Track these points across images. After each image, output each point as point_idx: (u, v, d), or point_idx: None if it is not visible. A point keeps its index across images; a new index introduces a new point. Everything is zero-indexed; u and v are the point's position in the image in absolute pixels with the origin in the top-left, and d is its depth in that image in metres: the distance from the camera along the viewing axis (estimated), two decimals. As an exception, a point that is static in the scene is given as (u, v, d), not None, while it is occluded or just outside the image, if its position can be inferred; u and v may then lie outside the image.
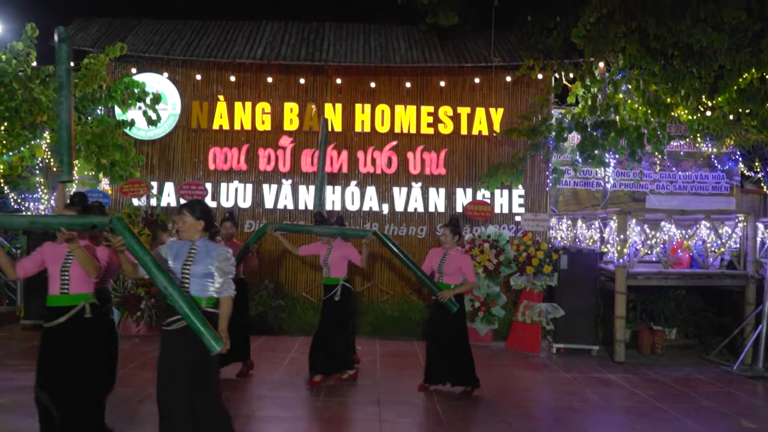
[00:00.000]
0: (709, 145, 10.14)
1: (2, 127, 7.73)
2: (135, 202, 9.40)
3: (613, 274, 7.75)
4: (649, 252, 7.87)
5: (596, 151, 8.61)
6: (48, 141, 8.47)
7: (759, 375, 7.12)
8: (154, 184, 9.65)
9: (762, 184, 10.70)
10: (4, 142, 8.14)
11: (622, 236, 7.59)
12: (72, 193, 4.43)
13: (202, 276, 3.58)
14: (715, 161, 10.55)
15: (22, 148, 8.19)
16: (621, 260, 7.59)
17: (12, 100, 7.45)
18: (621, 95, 8.65)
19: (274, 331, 8.66)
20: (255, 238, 6.42)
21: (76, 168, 8.54)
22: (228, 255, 3.67)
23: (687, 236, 7.80)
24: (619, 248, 7.59)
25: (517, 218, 9.72)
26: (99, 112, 9.12)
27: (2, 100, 7.42)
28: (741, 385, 6.74)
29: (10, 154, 8.13)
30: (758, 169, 10.57)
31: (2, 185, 8.73)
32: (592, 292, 8.01)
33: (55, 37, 5.34)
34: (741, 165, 10.60)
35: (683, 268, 8.07)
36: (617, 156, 9.40)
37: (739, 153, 10.55)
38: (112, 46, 8.10)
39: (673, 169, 10.33)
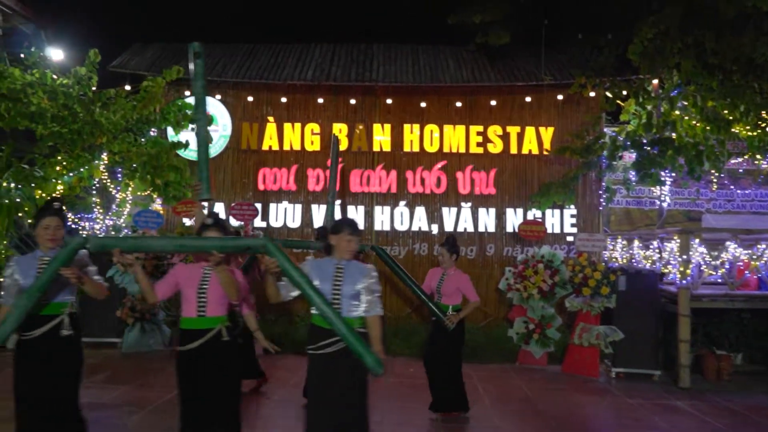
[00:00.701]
0: (770, 162, 9.81)
1: (64, 150, 7.96)
2: (186, 221, 9.52)
3: (675, 296, 7.48)
4: (714, 273, 7.57)
5: (652, 170, 8.39)
6: (106, 162, 8.67)
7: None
8: (205, 204, 9.75)
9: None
10: (65, 163, 8.38)
11: (684, 256, 7.34)
12: (207, 213, 4.46)
13: (351, 296, 3.52)
14: (776, 179, 10.20)
15: (81, 169, 8.39)
16: (684, 281, 7.32)
17: (75, 123, 7.66)
18: (677, 112, 8.45)
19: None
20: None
21: (130, 188, 8.71)
22: (374, 273, 3.62)
23: (754, 257, 7.50)
24: (681, 269, 7.34)
25: (569, 238, 9.53)
26: (151, 133, 9.33)
27: (66, 122, 7.64)
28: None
29: (71, 175, 8.33)
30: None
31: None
32: (653, 315, 7.74)
33: (190, 54, 5.15)
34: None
35: (750, 290, 7.75)
36: (673, 174, 9.15)
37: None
38: (168, 69, 8.28)
39: (731, 187, 9.99)
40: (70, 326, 3.72)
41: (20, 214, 8.03)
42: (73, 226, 9.66)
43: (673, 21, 7.21)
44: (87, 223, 9.81)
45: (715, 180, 9.74)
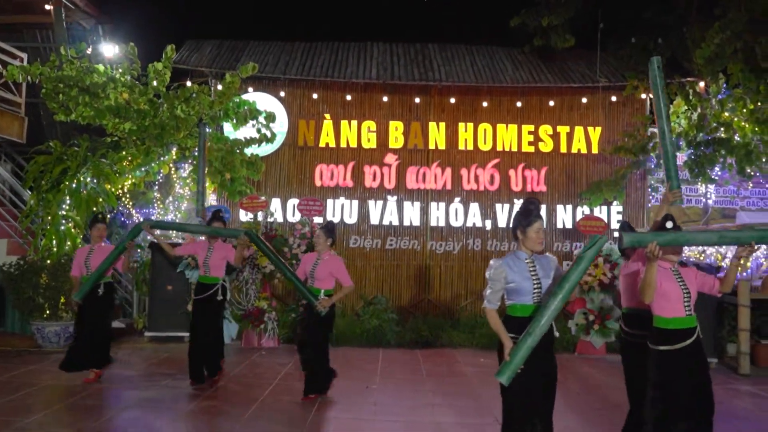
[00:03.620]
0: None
1: (140, 143, 8.05)
2: (242, 217, 9.65)
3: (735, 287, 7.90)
4: (771, 266, 8.04)
5: (707, 169, 8.83)
6: (175, 158, 8.77)
7: None
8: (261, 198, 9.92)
9: None
10: (130, 158, 8.46)
11: (745, 251, 7.76)
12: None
13: (549, 288, 3.64)
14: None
15: (153, 164, 8.48)
16: (744, 274, 7.75)
17: (155, 117, 7.75)
18: (727, 113, 8.90)
19: (390, 344, 8.80)
20: (130, 236, 6.17)
21: (206, 183, 8.81)
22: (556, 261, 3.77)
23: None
24: (742, 262, 7.76)
25: (616, 234, 9.93)
26: (208, 130, 9.43)
27: (147, 115, 7.72)
28: None
29: (143, 169, 8.42)
30: None
31: (127, 200, 9.02)
32: (710, 305, 8.16)
33: (654, 66, 4.66)
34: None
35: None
36: (720, 173, 9.62)
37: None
38: (244, 65, 8.40)
39: (767, 185, 10.51)
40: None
41: (94, 208, 8.10)
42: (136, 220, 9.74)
43: (738, 26, 7.62)
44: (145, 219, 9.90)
45: (753, 178, 10.23)
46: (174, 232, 8.67)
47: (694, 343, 3.83)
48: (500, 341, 3.53)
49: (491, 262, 3.67)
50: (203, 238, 6.71)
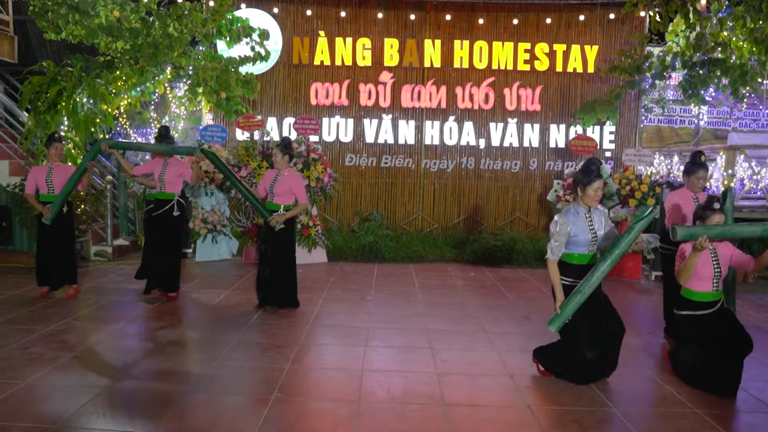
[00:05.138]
0: (799, 82, 10.33)
1: (134, 63, 8.01)
2: (239, 136, 9.76)
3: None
4: (754, 186, 8.28)
5: (701, 90, 8.86)
6: (169, 77, 8.75)
7: None
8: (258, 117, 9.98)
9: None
10: (125, 78, 8.44)
11: (729, 171, 7.99)
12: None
13: (606, 238, 4.13)
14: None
15: (147, 84, 8.48)
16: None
17: (148, 36, 7.68)
18: (726, 33, 8.81)
19: (385, 259, 9.19)
20: (90, 156, 6.22)
21: (201, 103, 8.85)
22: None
23: (791, 172, 8.20)
24: (726, 182, 8.00)
25: (607, 153, 10.10)
26: (200, 48, 9.32)
27: (139, 34, 7.65)
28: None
29: (138, 89, 8.43)
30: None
31: (124, 120, 9.08)
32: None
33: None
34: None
35: (783, 202, 8.51)
36: (713, 94, 9.64)
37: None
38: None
39: (760, 107, 10.56)
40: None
41: (93, 129, 8.19)
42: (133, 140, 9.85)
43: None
44: (142, 138, 10.00)
45: (745, 100, 10.27)
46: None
47: (717, 311, 4.17)
48: (553, 290, 4.09)
49: (556, 217, 4.09)
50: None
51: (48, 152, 6.26)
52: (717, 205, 4.03)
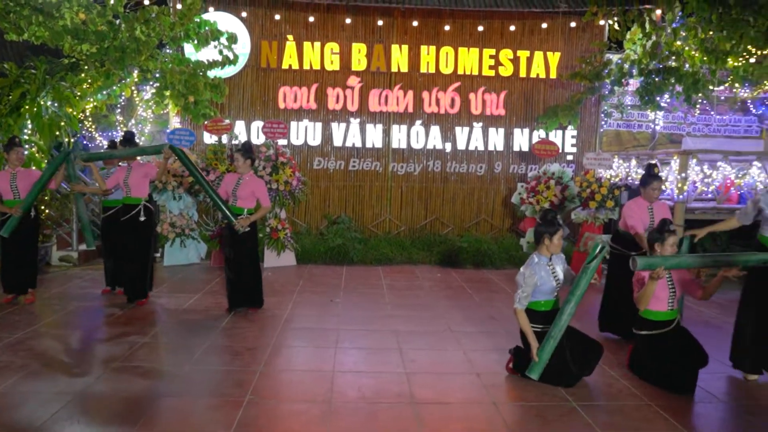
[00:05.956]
0: (748, 89, 10.84)
1: (100, 66, 7.93)
2: (207, 139, 9.74)
3: (671, 209, 8.54)
4: (706, 189, 8.67)
5: (656, 96, 9.24)
6: (136, 80, 8.68)
7: None
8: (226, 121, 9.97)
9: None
10: (90, 81, 8.35)
11: (683, 174, 8.36)
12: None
13: (565, 280, 4.47)
14: (751, 105, 11.30)
15: (114, 87, 8.41)
16: (681, 196, 8.38)
17: (115, 40, 7.62)
18: (679, 42, 9.22)
19: (354, 261, 9.30)
20: (53, 168, 6.22)
21: (168, 107, 8.81)
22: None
23: (740, 176, 8.62)
24: (679, 185, 8.38)
25: (569, 157, 10.43)
26: (168, 51, 9.28)
27: (106, 37, 7.58)
28: None
29: (104, 92, 8.35)
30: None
31: (90, 124, 8.97)
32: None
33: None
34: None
35: (733, 204, 8.93)
36: (668, 100, 10.06)
37: (771, 98, 11.27)
38: (202, -16, 8.21)
39: (711, 113, 11.05)
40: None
41: (57, 133, 8.08)
42: (101, 144, 9.74)
43: (693, -43, 7.79)
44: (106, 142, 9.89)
45: (698, 106, 10.74)
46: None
47: (673, 329, 4.42)
48: (525, 338, 4.31)
49: (522, 269, 4.29)
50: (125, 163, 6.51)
51: (8, 157, 6.17)
52: (672, 227, 4.39)
